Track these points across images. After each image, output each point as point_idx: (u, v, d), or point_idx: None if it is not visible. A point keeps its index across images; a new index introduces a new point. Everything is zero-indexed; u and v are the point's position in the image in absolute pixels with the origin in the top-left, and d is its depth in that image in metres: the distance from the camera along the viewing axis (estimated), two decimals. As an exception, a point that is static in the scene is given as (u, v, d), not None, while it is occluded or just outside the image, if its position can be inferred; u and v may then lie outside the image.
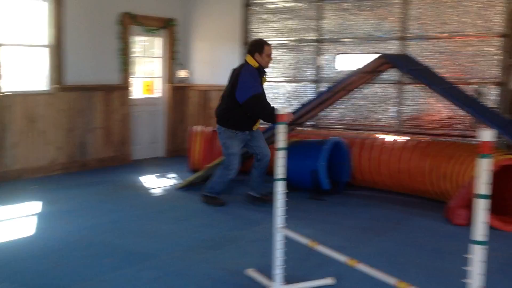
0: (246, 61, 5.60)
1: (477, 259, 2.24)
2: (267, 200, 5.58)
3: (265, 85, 8.47)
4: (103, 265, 4.00)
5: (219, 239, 4.64)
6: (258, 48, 5.57)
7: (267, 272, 3.62)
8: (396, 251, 4.33)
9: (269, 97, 8.36)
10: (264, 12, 8.48)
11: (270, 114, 5.28)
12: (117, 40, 8.17)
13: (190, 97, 9.29)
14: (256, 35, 8.53)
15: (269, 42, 5.73)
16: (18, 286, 3.61)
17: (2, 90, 6.91)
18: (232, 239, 4.63)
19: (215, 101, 8.93)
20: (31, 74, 7.50)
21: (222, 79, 8.84)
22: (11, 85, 7.10)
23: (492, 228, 4.72)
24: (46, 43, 7.43)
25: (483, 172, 2.20)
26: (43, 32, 7.44)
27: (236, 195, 6.32)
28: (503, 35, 6.44)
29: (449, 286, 3.58)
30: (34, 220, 5.22)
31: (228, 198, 6.13)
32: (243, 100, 5.42)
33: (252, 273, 3.72)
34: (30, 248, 4.41)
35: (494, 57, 6.54)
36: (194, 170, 7.27)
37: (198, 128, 7.71)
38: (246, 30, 8.63)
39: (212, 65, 9.07)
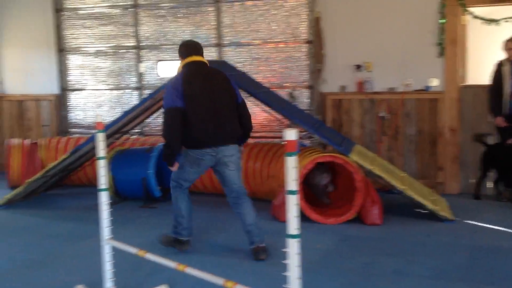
0: (207, 63, 4.53)
1: (293, 252, 2.39)
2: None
3: (88, 93, 8.29)
4: None
5: (44, 257, 4.42)
6: None
7: (98, 286, 3.56)
8: (226, 252, 4.49)
9: (91, 106, 8.22)
10: (77, 18, 8.20)
11: None
12: None
13: (3, 108, 8.61)
14: (72, 41, 8.24)
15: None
16: None
17: None
18: (59, 256, 4.44)
19: (31, 112, 8.44)
20: None
21: (37, 88, 8.40)
22: None
23: (313, 222, 5.16)
24: None
25: (291, 170, 2.34)
26: None
27: (66, 208, 6.11)
28: (308, 42, 7.05)
29: (274, 280, 3.74)
30: None
31: (52, 213, 5.86)
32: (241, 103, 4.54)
33: (81, 289, 3.63)
34: None
35: (303, 62, 7.13)
36: (14, 186, 6.77)
37: (15, 141, 7.21)
38: (60, 36, 8.27)
39: (25, 73, 8.51)
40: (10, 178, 7.04)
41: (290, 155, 2.34)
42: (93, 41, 8.14)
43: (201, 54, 4.50)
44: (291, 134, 2.34)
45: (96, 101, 8.23)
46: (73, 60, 8.31)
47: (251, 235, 4.34)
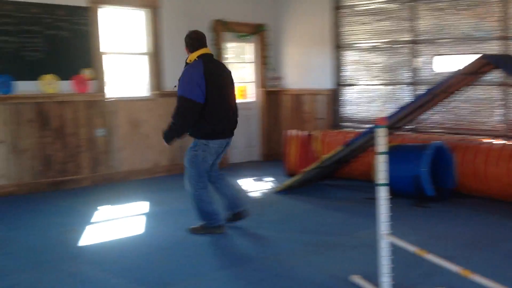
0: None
1: None
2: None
3: (361, 88, 8.45)
4: (207, 264, 4.14)
5: (321, 243, 4.62)
6: None
7: (372, 279, 3.57)
8: (509, 264, 4.08)
9: (363, 101, 8.36)
10: (354, 14, 8.38)
11: None
12: (211, 46, 8.37)
13: (283, 101, 9.35)
14: (348, 38, 8.47)
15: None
16: (128, 282, 3.81)
17: (108, 96, 7.32)
18: (334, 244, 4.59)
19: (308, 105, 8.97)
20: (133, 81, 7.89)
21: (313, 83, 8.90)
22: (115, 91, 7.52)
23: None
24: (145, 50, 7.79)
25: None
26: (142, 40, 7.80)
27: (337, 199, 6.30)
28: None
29: None
30: (142, 220, 5.51)
31: (325, 203, 6.11)
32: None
33: (357, 279, 3.68)
34: (139, 246, 4.66)
35: None
36: (291, 174, 7.31)
37: (293, 132, 7.74)
38: (337, 33, 8.57)
39: (304, 69, 9.09)
40: (288, 166, 7.58)
41: None
42: (368, 36, 8.24)
43: (207, 46, 4.81)
44: None
45: (368, 96, 8.33)
46: (348, 56, 8.55)
47: (238, 200, 5.05)
